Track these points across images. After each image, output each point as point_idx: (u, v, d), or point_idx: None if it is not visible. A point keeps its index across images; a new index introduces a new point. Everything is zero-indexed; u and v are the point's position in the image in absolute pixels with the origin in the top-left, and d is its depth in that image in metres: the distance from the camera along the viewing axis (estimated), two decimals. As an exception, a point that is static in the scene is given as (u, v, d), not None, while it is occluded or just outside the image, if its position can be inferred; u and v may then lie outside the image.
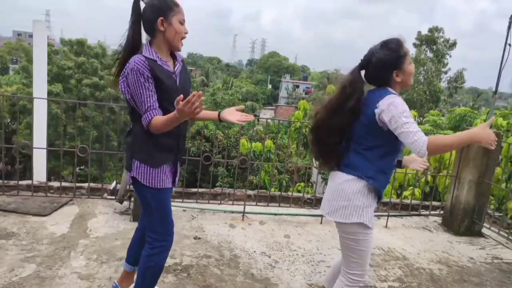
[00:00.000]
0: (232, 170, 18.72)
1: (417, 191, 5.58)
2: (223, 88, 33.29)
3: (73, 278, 2.69)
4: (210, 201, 4.42)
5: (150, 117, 1.83)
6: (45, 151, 4.21)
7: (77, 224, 3.55)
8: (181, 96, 1.62)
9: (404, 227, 4.34)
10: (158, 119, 1.81)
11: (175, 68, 2.04)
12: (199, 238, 3.53)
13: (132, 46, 1.98)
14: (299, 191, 6.90)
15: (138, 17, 1.96)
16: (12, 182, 4.17)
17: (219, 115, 2.21)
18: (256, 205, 4.33)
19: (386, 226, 4.27)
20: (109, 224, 3.62)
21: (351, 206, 1.92)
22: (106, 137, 18.52)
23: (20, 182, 4.11)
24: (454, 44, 33.22)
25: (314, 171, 9.13)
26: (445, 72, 33.80)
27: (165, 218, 2.04)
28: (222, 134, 20.34)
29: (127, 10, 2.01)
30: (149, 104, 1.84)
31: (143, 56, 1.90)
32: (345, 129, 1.99)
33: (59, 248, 3.07)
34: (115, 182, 4.38)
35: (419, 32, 33.47)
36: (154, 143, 1.95)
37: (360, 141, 1.95)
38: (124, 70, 1.91)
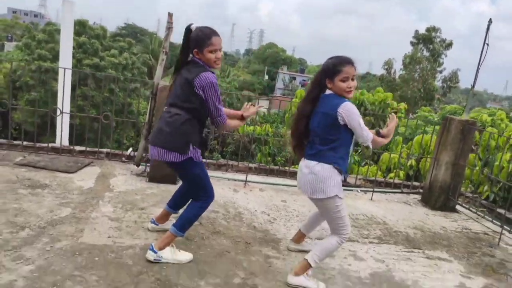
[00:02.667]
0: (227, 156, 19.31)
1: (401, 173, 6.13)
2: (221, 76, 33.63)
3: (104, 219, 3.18)
4: (216, 171, 4.91)
5: (225, 120, 2.61)
6: (67, 117, 4.63)
7: (100, 181, 4.02)
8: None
9: (387, 201, 4.88)
10: (231, 122, 2.69)
11: None
12: (207, 198, 4.02)
13: (184, 61, 2.64)
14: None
15: (187, 42, 2.58)
16: (37, 144, 4.62)
17: (242, 116, 2.89)
18: (257, 175, 4.84)
19: (371, 199, 4.81)
20: (128, 183, 4.10)
21: (328, 185, 2.50)
22: (105, 117, 18.92)
23: (46, 145, 4.57)
24: (450, 44, 33.61)
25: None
26: (440, 72, 34.25)
27: (209, 182, 2.74)
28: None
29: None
30: (222, 110, 2.58)
31: (211, 72, 2.54)
32: (309, 119, 2.58)
33: (88, 198, 3.56)
34: (130, 149, 4.86)
35: (416, 31, 33.87)
36: (201, 131, 2.68)
37: (325, 136, 2.50)
38: (200, 80, 2.48)
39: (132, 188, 3.96)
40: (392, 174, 6.14)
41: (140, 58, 26.20)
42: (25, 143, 4.57)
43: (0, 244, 2.59)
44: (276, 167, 5.28)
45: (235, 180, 4.70)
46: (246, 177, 4.62)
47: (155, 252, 2.66)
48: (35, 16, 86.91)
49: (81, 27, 19.67)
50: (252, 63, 67.82)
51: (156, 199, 3.78)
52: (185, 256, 2.74)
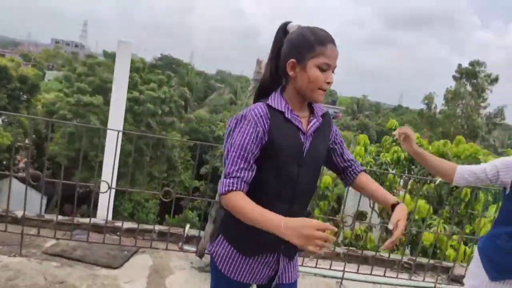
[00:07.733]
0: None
1: None
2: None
3: None
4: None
5: (230, 187, 1.32)
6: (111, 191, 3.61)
7: (154, 284, 2.97)
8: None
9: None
10: (240, 198, 1.30)
11: (309, 126, 1.45)
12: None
13: (267, 86, 1.48)
14: (377, 247, 6.19)
15: (279, 50, 1.44)
16: (75, 220, 3.64)
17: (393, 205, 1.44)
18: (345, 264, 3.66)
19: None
20: (191, 286, 3.02)
21: None
22: (140, 151, 18.25)
23: (87, 220, 3.59)
24: (496, 80, 32.28)
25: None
26: (485, 107, 32.81)
27: None
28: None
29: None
30: (237, 168, 1.33)
31: (267, 104, 1.40)
32: None
33: (140, 321, 2.49)
34: (187, 226, 3.81)
35: (459, 65, 32.79)
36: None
37: None
38: (236, 115, 1.43)
39: (197, 298, 2.87)
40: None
41: (176, 91, 25.88)
42: (60, 217, 3.59)
43: None
44: (372, 253, 4.08)
45: (325, 276, 3.54)
46: (343, 275, 3.45)
47: None
48: (76, 46, 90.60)
49: (120, 59, 19.49)
50: (284, 95, 67.27)
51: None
52: None
